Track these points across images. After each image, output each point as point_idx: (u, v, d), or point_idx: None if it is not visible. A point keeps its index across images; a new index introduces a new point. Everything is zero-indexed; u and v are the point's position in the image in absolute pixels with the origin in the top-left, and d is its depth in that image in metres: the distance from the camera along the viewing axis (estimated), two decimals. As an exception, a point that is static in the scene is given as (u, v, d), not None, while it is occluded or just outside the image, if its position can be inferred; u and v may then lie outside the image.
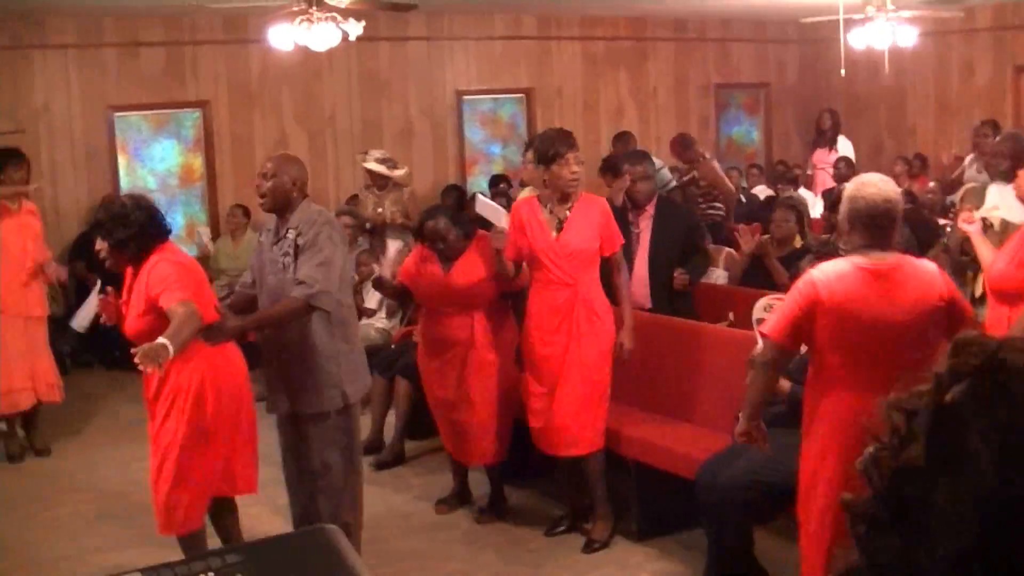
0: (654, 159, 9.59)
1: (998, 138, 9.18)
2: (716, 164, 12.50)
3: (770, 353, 5.24)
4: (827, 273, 5.06)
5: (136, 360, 5.24)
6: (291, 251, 6.29)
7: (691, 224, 8.76)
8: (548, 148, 7.15)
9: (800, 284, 5.15)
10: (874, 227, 5.02)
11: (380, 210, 11.59)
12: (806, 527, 5.34)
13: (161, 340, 5.35)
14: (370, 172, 11.86)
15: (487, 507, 7.93)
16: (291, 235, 6.32)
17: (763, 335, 5.27)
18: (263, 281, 6.50)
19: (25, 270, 9.37)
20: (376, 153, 12.33)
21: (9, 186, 9.37)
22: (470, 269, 7.57)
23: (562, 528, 7.54)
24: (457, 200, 12.57)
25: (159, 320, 5.86)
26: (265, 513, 7.71)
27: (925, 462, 1.22)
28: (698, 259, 8.60)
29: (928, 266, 5.23)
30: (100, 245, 6.16)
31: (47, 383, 9.57)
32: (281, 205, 6.39)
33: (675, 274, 8.29)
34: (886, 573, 1.24)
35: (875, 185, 5.10)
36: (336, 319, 6.39)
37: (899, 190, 5.24)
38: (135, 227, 6.09)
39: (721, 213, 12.10)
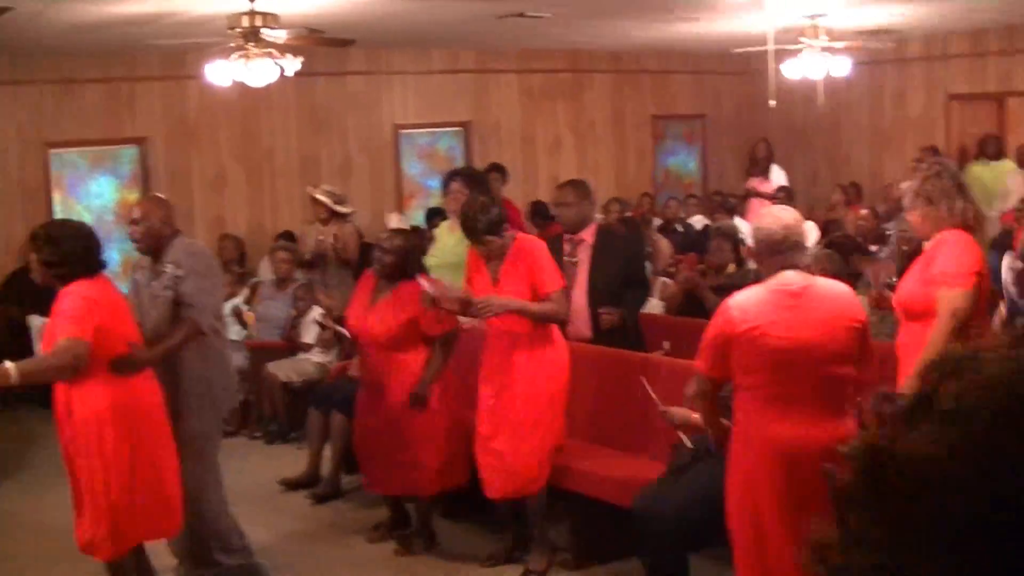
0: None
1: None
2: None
3: (699, 385, 5.48)
4: (740, 300, 5.31)
5: None
6: (172, 284, 6.55)
7: (631, 254, 8.60)
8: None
9: (717, 314, 5.38)
10: (777, 252, 5.27)
11: (322, 238, 11.52)
12: (739, 547, 5.41)
13: (7, 364, 5.53)
14: (316, 202, 11.77)
15: (411, 536, 7.93)
16: (170, 269, 6.58)
17: (695, 368, 5.44)
18: (146, 317, 6.68)
19: None
20: (326, 186, 12.31)
21: None
22: (389, 311, 7.57)
23: (498, 561, 7.53)
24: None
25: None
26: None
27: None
28: (635, 293, 8.54)
29: (842, 288, 5.51)
30: (31, 256, 6.31)
31: None
32: (155, 245, 6.71)
33: (600, 312, 8.18)
34: None
35: (771, 215, 5.46)
36: (212, 343, 6.73)
37: (798, 218, 5.49)
38: (62, 254, 6.18)
39: None
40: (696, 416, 6.43)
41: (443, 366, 7.53)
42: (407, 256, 7.73)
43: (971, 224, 6.27)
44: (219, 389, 6.90)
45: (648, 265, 10.67)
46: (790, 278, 5.26)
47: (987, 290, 6.30)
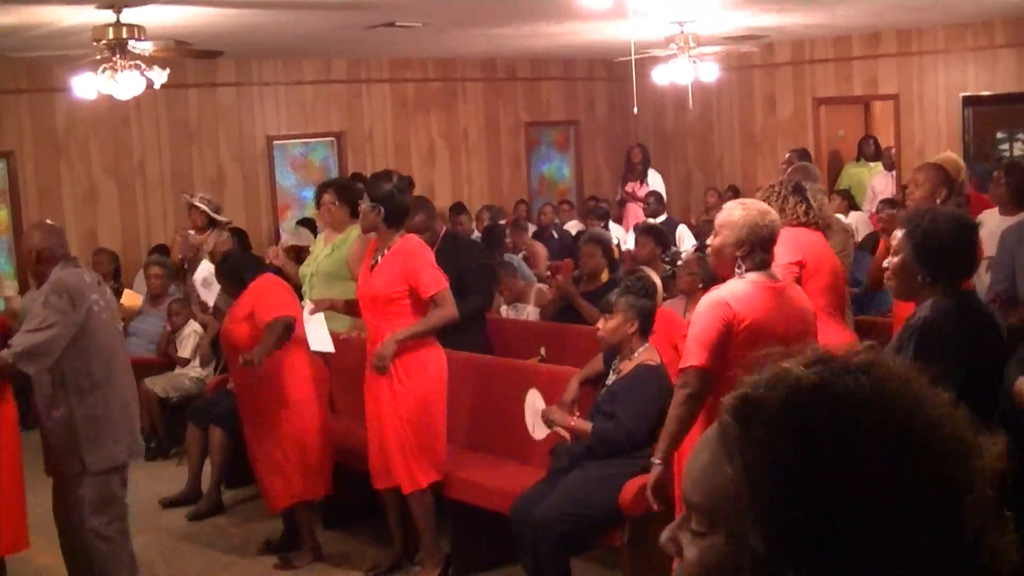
0: None
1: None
2: None
3: (697, 383, 5.19)
4: (734, 293, 5.20)
5: None
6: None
7: (464, 265, 8.62)
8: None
9: (709, 308, 5.20)
10: (769, 249, 5.31)
11: (192, 242, 11.41)
12: None
13: None
14: (194, 209, 11.61)
15: (294, 549, 7.90)
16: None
17: (690, 367, 5.20)
18: None
19: None
20: (203, 194, 12.17)
21: None
22: (237, 315, 7.63)
23: (382, 570, 7.51)
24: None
25: None
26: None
27: None
28: (469, 299, 8.39)
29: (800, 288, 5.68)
30: None
31: None
32: (35, 272, 6.66)
33: None
34: None
35: (772, 212, 5.44)
36: (71, 386, 6.35)
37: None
38: None
39: None
40: (577, 421, 6.48)
41: (277, 342, 7.43)
42: (232, 274, 7.85)
43: (810, 222, 6.55)
44: (105, 434, 6.46)
45: (526, 269, 10.76)
46: (773, 275, 5.35)
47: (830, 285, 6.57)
